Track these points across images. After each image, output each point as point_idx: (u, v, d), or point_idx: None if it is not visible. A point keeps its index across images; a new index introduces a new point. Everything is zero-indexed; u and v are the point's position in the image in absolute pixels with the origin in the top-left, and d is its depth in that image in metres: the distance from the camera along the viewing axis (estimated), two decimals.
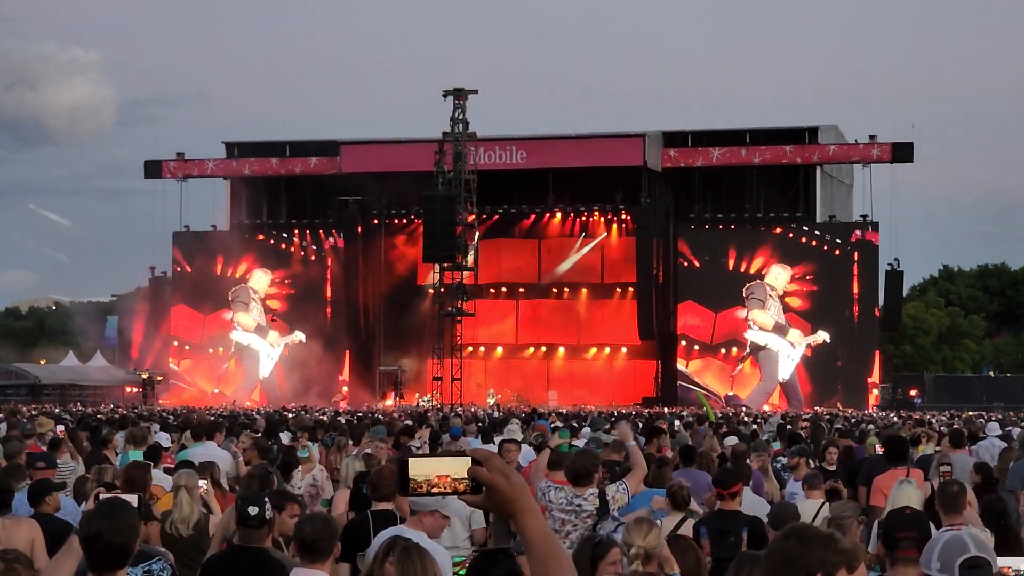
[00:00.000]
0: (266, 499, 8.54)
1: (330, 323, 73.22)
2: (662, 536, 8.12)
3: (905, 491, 10.29)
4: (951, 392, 74.47)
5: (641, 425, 28.43)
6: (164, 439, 19.32)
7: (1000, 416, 39.79)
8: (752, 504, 12.46)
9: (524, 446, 19.03)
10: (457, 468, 3.52)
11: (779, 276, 68.24)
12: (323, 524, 7.83)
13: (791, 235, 68.28)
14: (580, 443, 17.61)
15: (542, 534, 3.61)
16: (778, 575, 4.15)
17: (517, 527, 3.58)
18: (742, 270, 68.56)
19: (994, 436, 22.66)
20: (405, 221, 72.88)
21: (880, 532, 7.15)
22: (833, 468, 16.36)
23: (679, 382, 68.29)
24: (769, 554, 4.22)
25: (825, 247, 67.86)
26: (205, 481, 12.11)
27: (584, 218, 72.00)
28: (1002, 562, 6.65)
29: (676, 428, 25.42)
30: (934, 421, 34.99)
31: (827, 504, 11.79)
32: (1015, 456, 17.63)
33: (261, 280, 74.30)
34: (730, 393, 67.50)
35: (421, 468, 3.53)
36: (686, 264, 69.18)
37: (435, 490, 3.53)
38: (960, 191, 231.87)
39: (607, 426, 24.95)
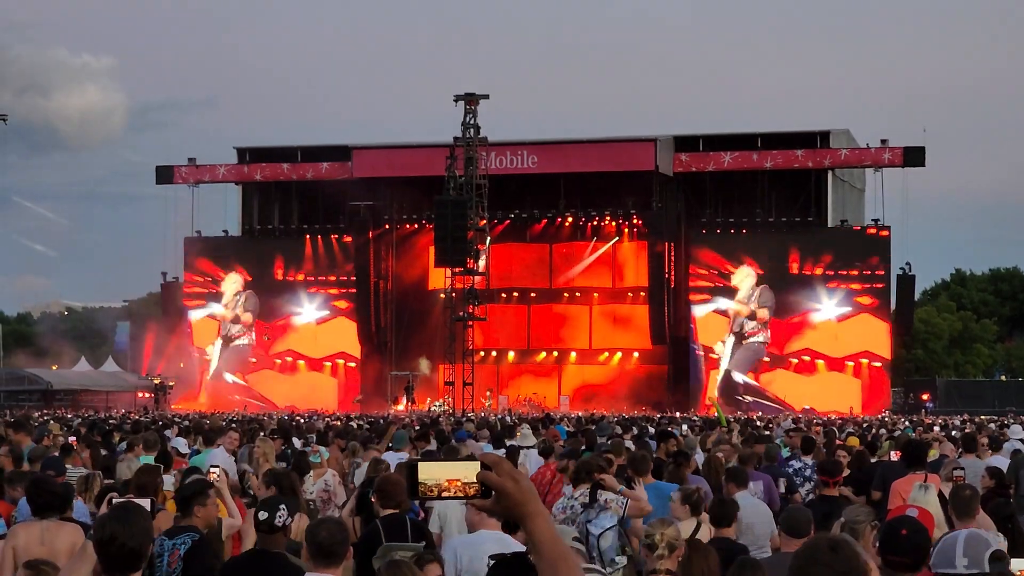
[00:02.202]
0: (281, 505, 8.57)
1: (343, 328, 73.34)
2: (682, 535, 8.17)
3: (922, 497, 10.32)
4: (963, 397, 74.21)
5: (652, 430, 28.51)
6: (182, 444, 19.40)
7: (1016, 419, 39.61)
8: (754, 508, 12.53)
9: (533, 451, 19.10)
10: (466, 472, 3.54)
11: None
12: (338, 528, 7.88)
13: (804, 237, 68.37)
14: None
15: (551, 537, 3.62)
16: None
17: (526, 531, 3.60)
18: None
19: (1016, 439, 22.65)
20: (416, 226, 72.89)
21: (877, 539, 7.16)
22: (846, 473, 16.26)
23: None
24: (811, 564, 4.20)
25: (838, 243, 68.01)
26: (217, 468, 12.18)
27: (596, 222, 71.91)
28: (1018, 564, 6.67)
29: (684, 433, 25.46)
30: (936, 428, 34.85)
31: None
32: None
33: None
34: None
35: (431, 472, 3.56)
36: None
37: (445, 494, 3.55)
38: (972, 195, 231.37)
39: (617, 430, 25.02)
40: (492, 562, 6.68)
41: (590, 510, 10.45)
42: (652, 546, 7.91)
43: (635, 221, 71.01)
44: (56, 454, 15.88)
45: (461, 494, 3.55)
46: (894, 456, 17.82)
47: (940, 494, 11.48)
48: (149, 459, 15.35)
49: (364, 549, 10.13)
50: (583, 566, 6.79)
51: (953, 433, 27.92)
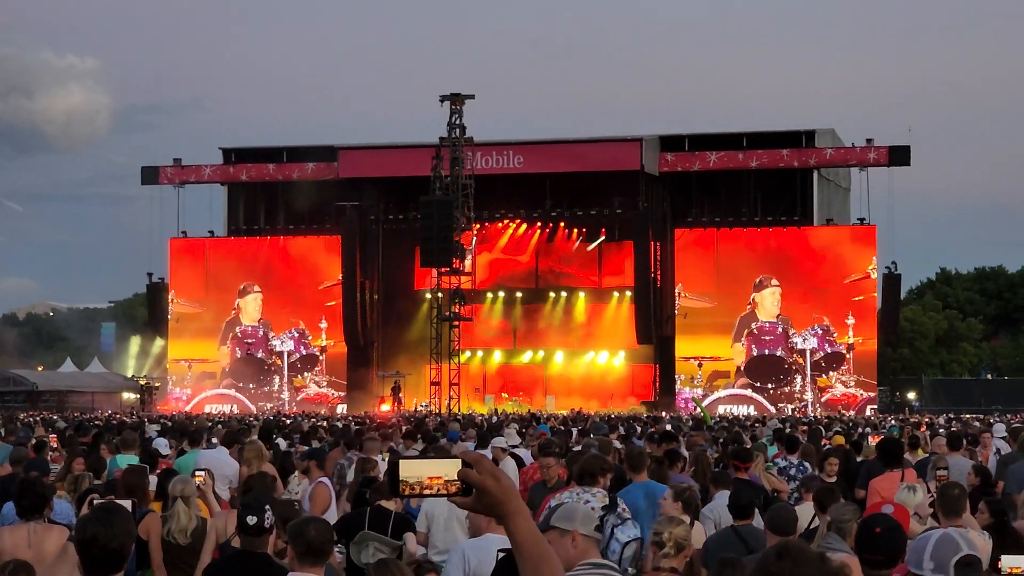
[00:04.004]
0: (267, 507, 8.57)
1: (328, 328, 73.27)
2: (691, 533, 8.12)
3: (911, 499, 10.31)
4: (949, 395, 74.40)
5: (640, 428, 28.54)
6: (163, 445, 19.28)
7: (1000, 418, 39.72)
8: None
9: (522, 449, 19.07)
10: (448, 470, 3.53)
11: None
12: (326, 527, 7.98)
13: (788, 237, 68.41)
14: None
15: (532, 537, 3.58)
16: None
17: (507, 530, 3.57)
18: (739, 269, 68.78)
19: (999, 437, 22.67)
20: (403, 226, 72.75)
21: (855, 537, 7.15)
22: (833, 479, 16.09)
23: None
24: (761, 572, 4.15)
25: (822, 246, 68.06)
26: (204, 472, 12.13)
27: (581, 222, 71.83)
28: (1008, 562, 6.66)
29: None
30: (922, 431, 34.90)
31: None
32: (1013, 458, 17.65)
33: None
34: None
35: (412, 470, 3.54)
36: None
37: (427, 492, 3.53)
38: (957, 194, 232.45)
39: (607, 430, 25.00)
40: (501, 555, 6.65)
41: (612, 515, 10.26)
42: (660, 544, 7.85)
43: (621, 220, 70.85)
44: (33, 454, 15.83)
45: (443, 492, 3.53)
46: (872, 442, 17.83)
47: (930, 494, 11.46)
48: (129, 459, 15.30)
49: (346, 531, 10.47)
50: (599, 561, 6.75)
51: (940, 431, 27.90)
